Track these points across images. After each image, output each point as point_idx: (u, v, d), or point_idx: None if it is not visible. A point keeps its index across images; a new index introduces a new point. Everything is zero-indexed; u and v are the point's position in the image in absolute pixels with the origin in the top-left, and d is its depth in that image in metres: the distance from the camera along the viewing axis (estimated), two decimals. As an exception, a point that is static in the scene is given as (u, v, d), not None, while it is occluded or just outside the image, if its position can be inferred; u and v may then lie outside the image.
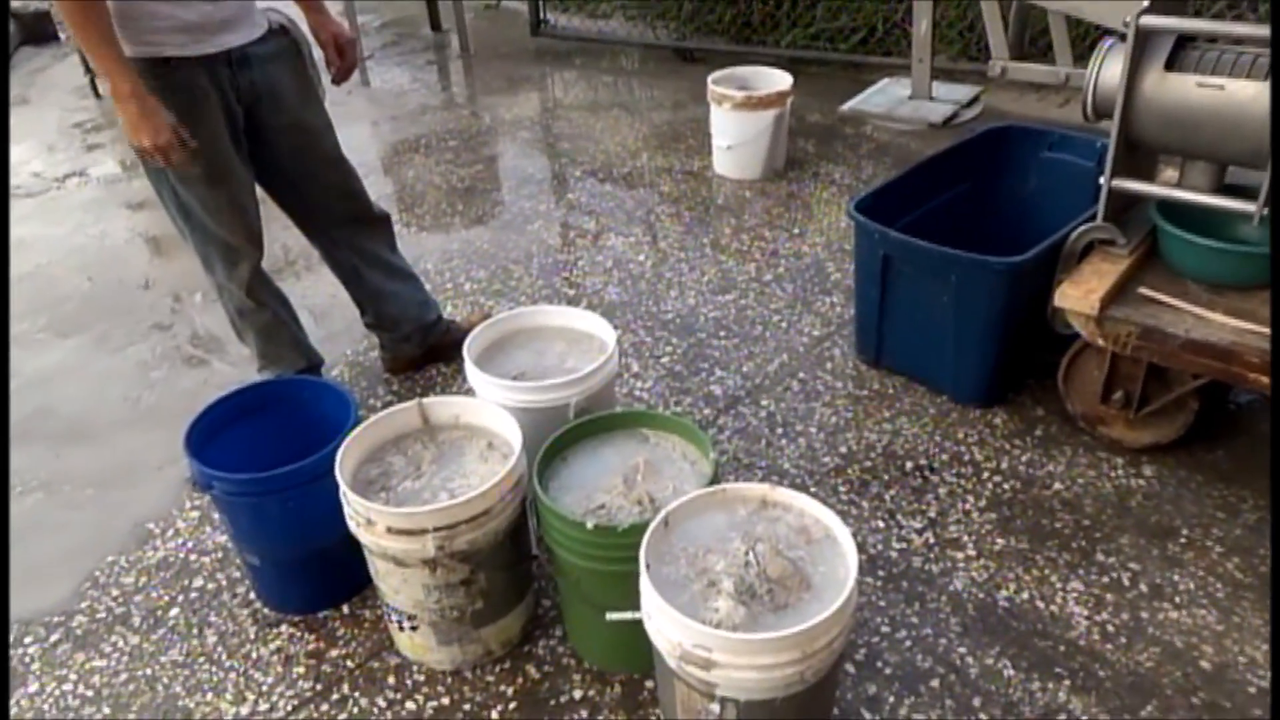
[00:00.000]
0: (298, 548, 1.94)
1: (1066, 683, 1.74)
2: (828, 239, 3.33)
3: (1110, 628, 1.85)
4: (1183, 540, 2.03)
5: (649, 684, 1.80)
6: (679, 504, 1.59)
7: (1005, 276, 2.25)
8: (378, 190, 3.65)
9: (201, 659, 1.94)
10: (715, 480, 1.71)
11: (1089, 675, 1.76)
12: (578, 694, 1.80)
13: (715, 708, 1.46)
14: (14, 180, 4.26)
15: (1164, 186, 2.16)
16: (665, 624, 1.42)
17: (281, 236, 2.62)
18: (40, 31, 5.90)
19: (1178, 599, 1.90)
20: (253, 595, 2.07)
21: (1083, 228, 2.24)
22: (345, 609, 2.03)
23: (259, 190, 2.34)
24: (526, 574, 1.92)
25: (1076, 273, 2.20)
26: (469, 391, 2.06)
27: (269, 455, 1.88)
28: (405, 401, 1.91)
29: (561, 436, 1.85)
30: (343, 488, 1.72)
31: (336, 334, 2.92)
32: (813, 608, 1.44)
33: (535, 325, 2.23)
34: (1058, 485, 2.20)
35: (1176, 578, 1.94)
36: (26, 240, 3.74)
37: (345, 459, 1.78)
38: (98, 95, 5.03)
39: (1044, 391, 2.44)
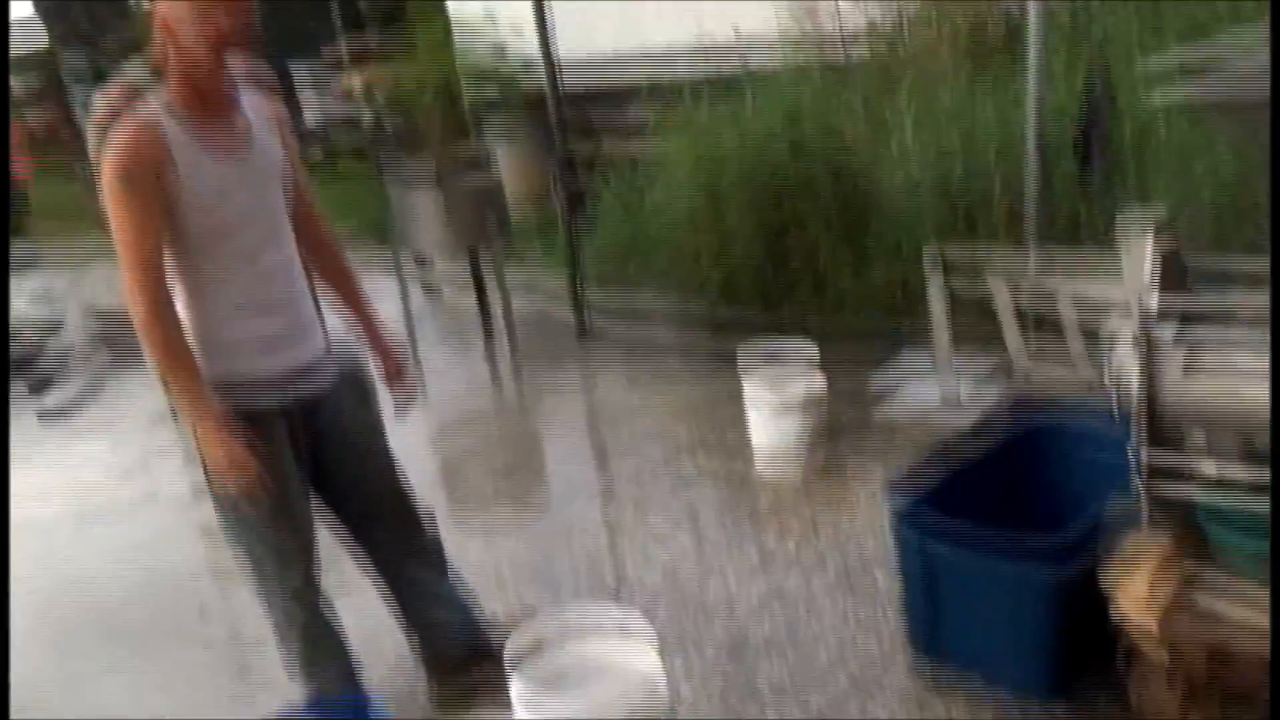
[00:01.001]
0: None
1: None
2: (874, 530, 3.31)
3: None
4: None
5: None
6: None
7: (1052, 578, 2.23)
8: (426, 483, 3.77)
9: None
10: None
11: None
12: None
13: None
14: (88, 503, 4.45)
15: (1205, 484, 2.11)
16: None
17: (329, 545, 2.71)
18: (128, 356, 6.39)
19: None
20: None
21: (1125, 528, 2.22)
22: None
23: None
24: None
25: (1129, 582, 2.14)
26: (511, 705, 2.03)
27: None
28: (447, 708, 1.88)
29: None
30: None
31: (379, 637, 2.90)
32: None
33: (580, 644, 2.22)
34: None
35: None
36: (92, 562, 3.86)
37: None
38: (176, 421, 5.36)
39: (1112, 680, 2.30)
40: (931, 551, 2.41)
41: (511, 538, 3.62)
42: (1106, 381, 2.20)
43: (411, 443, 4.66)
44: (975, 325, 4.52)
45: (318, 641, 2.52)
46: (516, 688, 2.04)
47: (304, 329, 2.36)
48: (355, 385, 2.49)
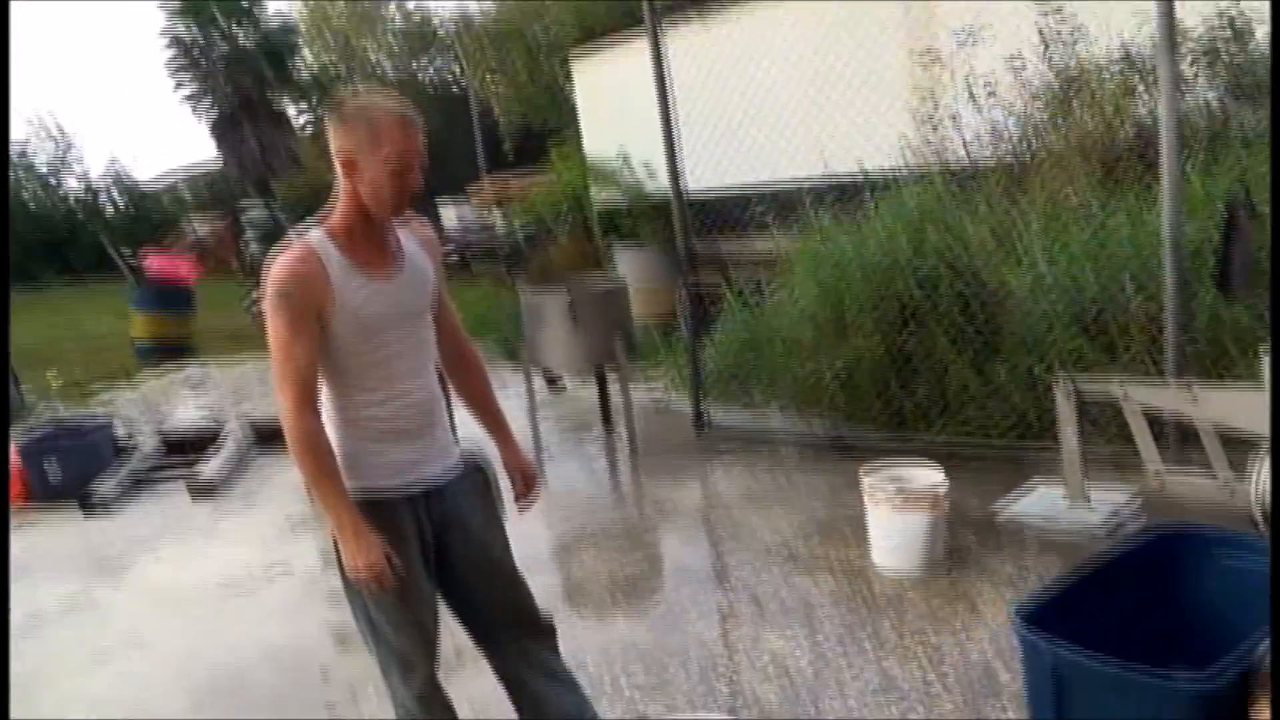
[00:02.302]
0: None
1: None
2: (996, 640, 3.20)
3: None
4: None
5: None
6: None
7: (1199, 698, 2.10)
8: (545, 583, 3.84)
9: None
10: None
11: None
12: None
13: None
14: (227, 571, 4.72)
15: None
16: None
17: (450, 631, 2.79)
18: (273, 438, 6.82)
19: None
20: None
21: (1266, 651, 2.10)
22: None
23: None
24: None
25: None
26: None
27: None
28: None
29: None
30: None
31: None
32: None
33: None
34: None
35: None
36: (228, 631, 4.07)
37: None
38: (311, 501, 5.67)
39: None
40: (1061, 664, 2.31)
41: (625, 635, 3.64)
42: (1252, 493, 2.12)
43: (532, 527, 4.80)
44: (1109, 454, 4.36)
45: None
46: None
47: (440, 451, 2.49)
48: (481, 484, 2.60)
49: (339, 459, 2.30)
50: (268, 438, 6.66)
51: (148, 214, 23.91)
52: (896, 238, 5.38)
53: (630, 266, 7.97)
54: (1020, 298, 5.05)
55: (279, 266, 2.24)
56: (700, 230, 6.53)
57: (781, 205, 7.17)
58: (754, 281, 6.60)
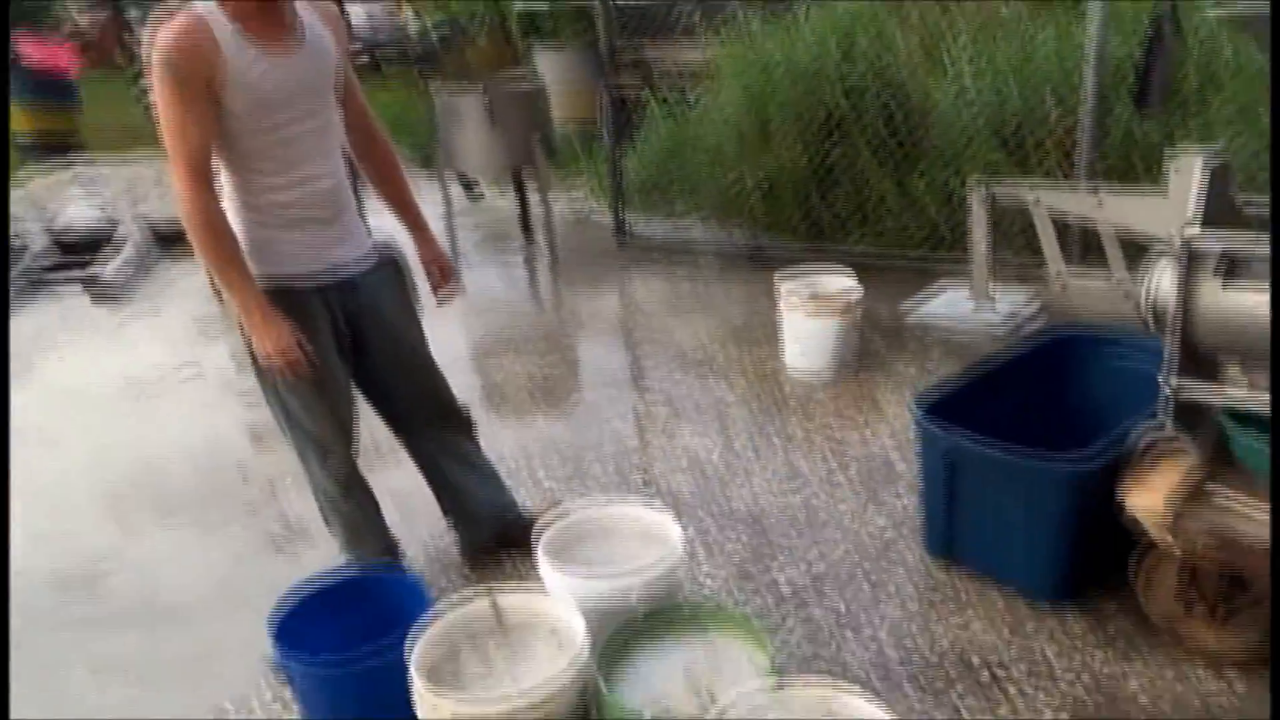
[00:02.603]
0: (368, 734, 1.99)
1: None
2: (896, 435, 3.39)
3: None
4: (1279, 760, 1.92)
5: None
6: (740, 706, 1.61)
7: (1072, 478, 2.27)
8: (464, 383, 3.87)
9: None
10: (775, 678, 1.72)
11: None
12: None
13: None
14: (134, 372, 4.63)
15: (1228, 390, 2.18)
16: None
17: (369, 422, 2.82)
18: (175, 240, 6.55)
19: (1277, 825, 1.78)
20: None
21: (1148, 433, 2.26)
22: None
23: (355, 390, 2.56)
24: (588, 771, 1.92)
25: (1145, 476, 2.21)
26: (540, 582, 2.14)
27: (347, 641, 1.96)
28: (478, 588, 1.99)
29: (625, 632, 1.89)
30: (414, 679, 1.79)
31: (416, 520, 3.03)
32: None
33: (606, 519, 2.33)
34: (1138, 693, 2.12)
35: (1274, 801, 1.83)
36: (139, 429, 4.04)
37: (418, 650, 1.85)
38: (219, 299, 5.52)
39: (1120, 587, 2.38)
40: (953, 450, 2.46)
41: (544, 432, 3.73)
42: (1143, 294, 2.22)
43: (452, 332, 4.78)
44: (1015, 267, 4.53)
45: (358, 525, 2.65)
46: (543, 552, 2.14)
47: (351, 240, 2.42)
48: (394, 275, 2.55)
49: (244, 246, 2.22)
50: (170, 240, 6.38)
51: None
52: (826, 43, 5.25)
53: (550, 68, 7.61)
54: (943, 110, 5.04)
55: (163, 37, 2.07)
56: (625, 33, 6.25)
57: (709, 9, 6.89)
58: (678, 88, 6.41)
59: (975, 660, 2.27)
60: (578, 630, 1.88)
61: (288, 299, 2.26)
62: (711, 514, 3.00)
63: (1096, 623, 2.34)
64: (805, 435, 3.46)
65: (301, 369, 2.24)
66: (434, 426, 2.71)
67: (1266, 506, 2.06)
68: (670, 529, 2.21)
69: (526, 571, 2.75)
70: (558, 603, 1.99)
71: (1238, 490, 2.13)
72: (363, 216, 2.54)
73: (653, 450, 3.47)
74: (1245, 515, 2.06)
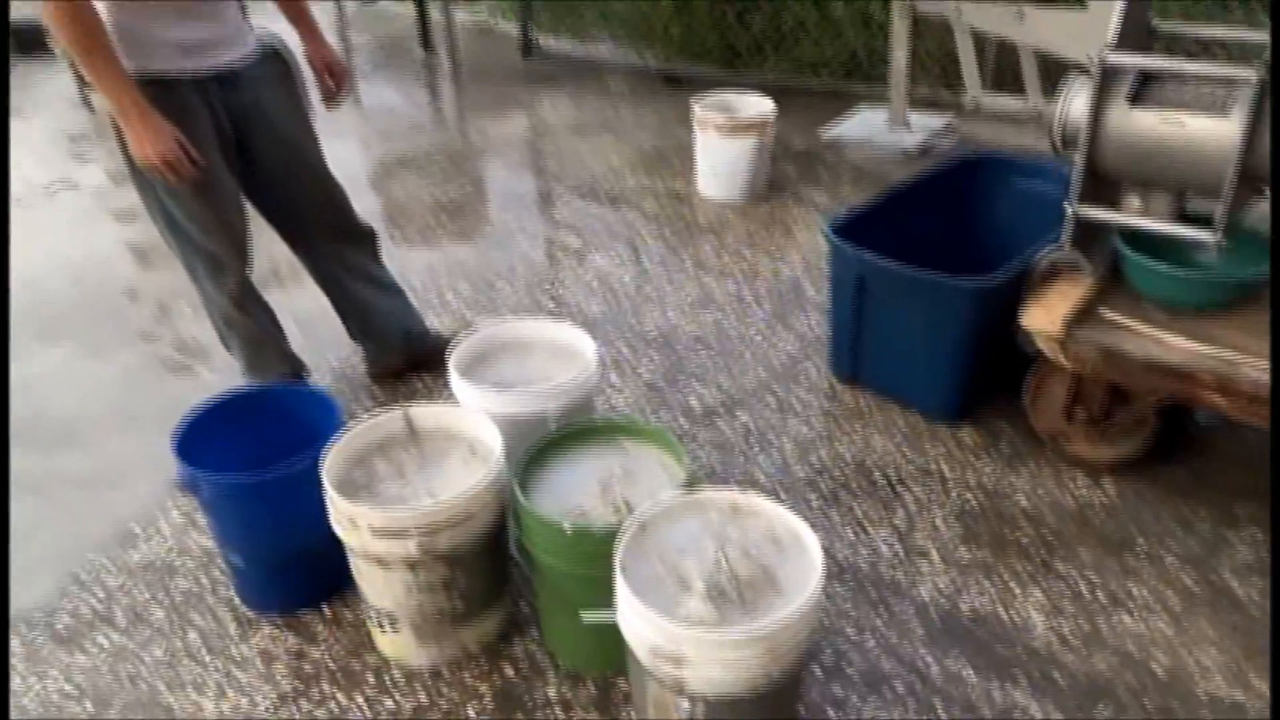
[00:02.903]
0: (281, 549, 1.99)
1: (1025, 685, 1.81)
2: (806, 259, 3.42)
3: (1068, 634, 1.91)
4: (1140, 552, 2.10)
5: (623, 683, 1.85)
6: (654, 508, 1.65)
7: (974, 297, 2.34)
8: (366, 205, 3.71)
9: (184, 657, 1.97)
10: (690, 487, 1.77)
11: (1046, 679, 1.82)
12: (552, 693, 1.85)
13: (685, 704, 1.51)
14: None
15: (1126, 214, 2.25)
16: (639, 623, 1.48)
17: (268, 248, 2.69)
18: (34, 44, 5.95)
19: (1133, 608, 1.97)
20: (235, 596, 2.11)
21: (1048, 253, 2.33)
22: (326, 610, 2.07)
23: (248, 205, 2.41)
24: (505, 576, 1.98)
25: (1042, 295, 2.29)
26: (452, 401, 2.12)
27: (255, 459, 1.92)
28: (389, 409, 1.96)
29: (542, 444, 1.91)
30: (328, 489, 1.77)
31: (322, 344, 2.96)
32: (781, 609, 1.50)
33: (518, 338, 2.30)
34: (1021, 498, 2.27)
35: (1133, 587, 2.02)
36: (15, 248, 3.77)
37: (331, 462, 1.83)
38: (90, 109, 5.08)
39: (1011, 408, 2.51)
40: (862, 269, 2.49)
41: (451, 256, 3.63)
42: (1056, 115, 2.22)
43: (350, 150, 4.54)
44: (929, 95, 4.49)
45: (259, 344, 2.55)
46: (456, 369, 2.12)
47: (231, 32, 2.20)
48: (280, 72, 2.36)
49: (113, 37, 2.01)
50: (28, 45, 5.80)
51: None
52: None
53: None
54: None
55: None
56: None
57: None
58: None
59: (874, 472, 2.38)
60: (494, 443, 1.89)
61: (163, 95, 2.08)
62: (624, 336, 3.01)
63: (988, 439, 2.48)
64: (717, 259, 3.46)
65: (185, 171, 2.08)
66: (335, 242, 2.59)
67: (1150, 326, 2.17)
68: (584, 345, 2.20)
69: (439, 391, 2.74)
70: (472, 417, 1.98)
71: (1126, 311, 2.23)
72: (244, 9, 2.32)
73: (563, 274, 3.43)
74: (1132, 334, 2.17)
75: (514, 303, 3.23)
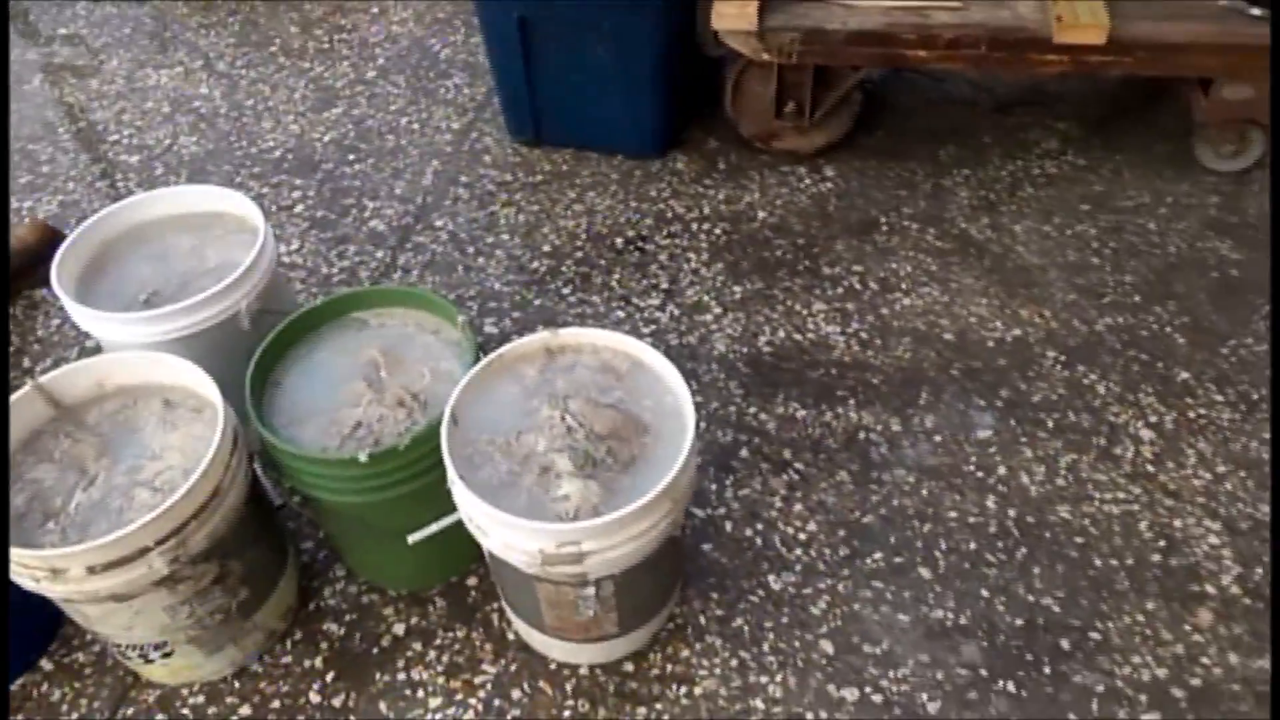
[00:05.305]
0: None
1: (851, 401, 1.79)
2: (414, 8, 2.88)
3: (863, 335, 1.91)
4: (884, 229, 2.12)
5: (471, 582, 1.58)
6: (456, 392, 1.31)
7: (662, 11, 2.06)
8: None
9: None
10: (476, 348, 1.43)
11: (866, 386, 1.82)
12: (399, 627, 1.55)
13: (590, 591, 1.29)
14: None
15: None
16: (519, 537, 1.20)
17: None
18: None
19: (903, 285, 2.00)
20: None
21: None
22: (47, 665, 1.54)
23: None
24: (282, 531, 1.56)
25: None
26: (82, 345, 1.53)
27: None
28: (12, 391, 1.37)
29: (261, 358, 1.44)
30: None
31: None
32: (660, 450, 1.28)
33: (140, 222, 1.68)
34: (761, 213, 2.18)
35: (894, 265, 2.04)
36: None
37: (-28, 505, 1.25)
38: None
39: (711, 123, 2.36)
40: (526, 14, 2.09)
41: None
42: None
43: None
44: None
45: None
46: (69, 301, 1.51)
47: None
48: None
49: None
50: None
51: None
52: None
53: None
54: None
55: None
56: None
57: None
58: None
59: (613, 237, 2.15)
60: (196, 385, 1.39)
61: None
62: (247, 169, 2.39)
63: (704, 162, 2.32)
64: (308, 37, 2.81)
65: None
66: None
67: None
68: (239, 208, 1.66)
69: (53, 344, 2.02)
70: (135, 357, 1.43)
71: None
72: None
73: (121, 113, 2.61)
74: (827, 9, 2.04)
75: (73, 171, 2.42)
